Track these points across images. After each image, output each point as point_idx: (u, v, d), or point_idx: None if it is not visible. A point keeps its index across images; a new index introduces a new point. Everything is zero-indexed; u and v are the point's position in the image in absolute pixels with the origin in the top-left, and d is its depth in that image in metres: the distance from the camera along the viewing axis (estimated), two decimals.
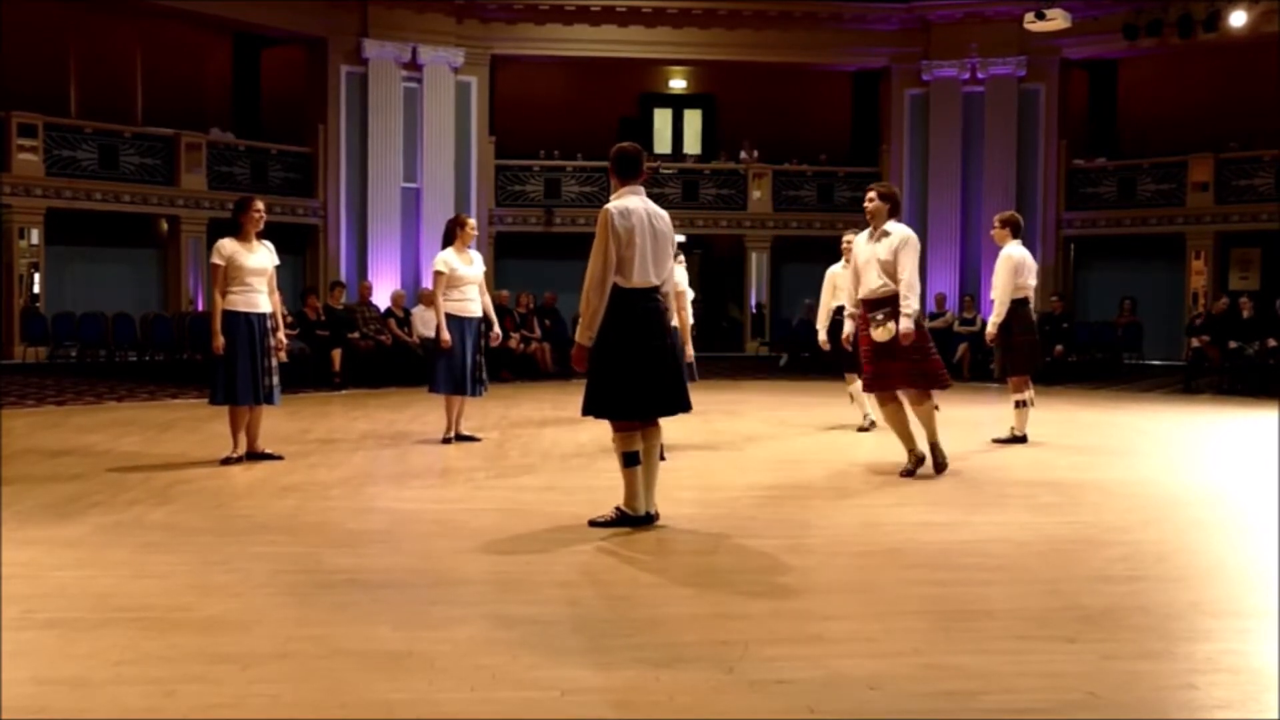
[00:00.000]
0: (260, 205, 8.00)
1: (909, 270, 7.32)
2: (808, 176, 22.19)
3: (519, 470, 7.83)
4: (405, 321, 16.31)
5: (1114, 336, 18.81)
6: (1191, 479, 7.80)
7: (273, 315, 8.03)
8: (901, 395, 7.56)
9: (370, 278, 19.27)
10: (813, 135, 22.93)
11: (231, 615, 4.15)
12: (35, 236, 17.83)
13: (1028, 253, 9.61)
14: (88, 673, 3.51)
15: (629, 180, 5.81)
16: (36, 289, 17.86)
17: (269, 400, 7.98)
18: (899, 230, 7.47)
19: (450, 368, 8.98)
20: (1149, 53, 20.37)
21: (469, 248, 9.15)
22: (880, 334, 7.42)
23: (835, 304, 10.10)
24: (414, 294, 18.16)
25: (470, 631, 3.95)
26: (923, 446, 7.56)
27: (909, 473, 7.42)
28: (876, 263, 7.45)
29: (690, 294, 9.23)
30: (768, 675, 3.53)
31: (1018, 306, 9.37)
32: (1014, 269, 9.34)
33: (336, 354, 15.02)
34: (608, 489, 6.22)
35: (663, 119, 24.31)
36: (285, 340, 8.30)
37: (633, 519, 5.72)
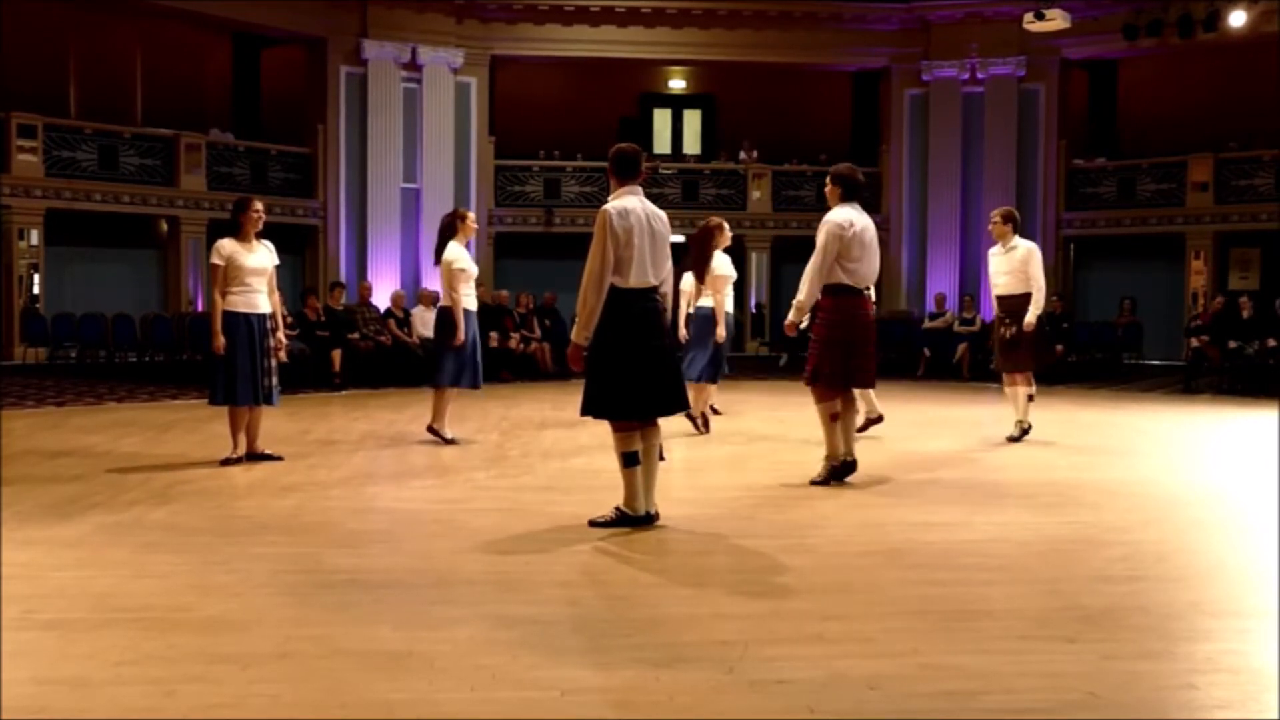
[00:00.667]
0: (259, 205, 7.99)
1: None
2: (808, 176, 22.18)
3: (519, 470, 7.83)
4: (405, 322, 16.30)
5: (1114, 336, 18.81)
6: (1191, 479, 7.80)
7: (272, 315, 8.03)
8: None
9: (370, 278, 19.27)
10: (813, 135, 22.92)
11: (231, 615, 4.14)
12: (35, 237, 17.84)
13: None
14: (88, 673, 3.51)
15: (628, 180, 5.82)
16: (36, 290, 17.87)
17: (268, 401, 7.98)
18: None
19: (460, 361, 9.03)
20: (1149, 53, 20.37)
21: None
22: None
23: None
24: (414, 294, 18.16)
25: (470, 631, 3.95)
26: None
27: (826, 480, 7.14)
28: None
29: (733, 276, 10.30)
30: (768, 675, 3.53)
31: (1028, 301, 9.38)
32: (1023, 263, 9.40)
33: (336, 354, 15.01)
34: (607, 489, 6.21)
35: (662, 119, 24.31)
36: (285, 340, 8.30)
37: (632, 519, 5.72)
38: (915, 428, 10.57)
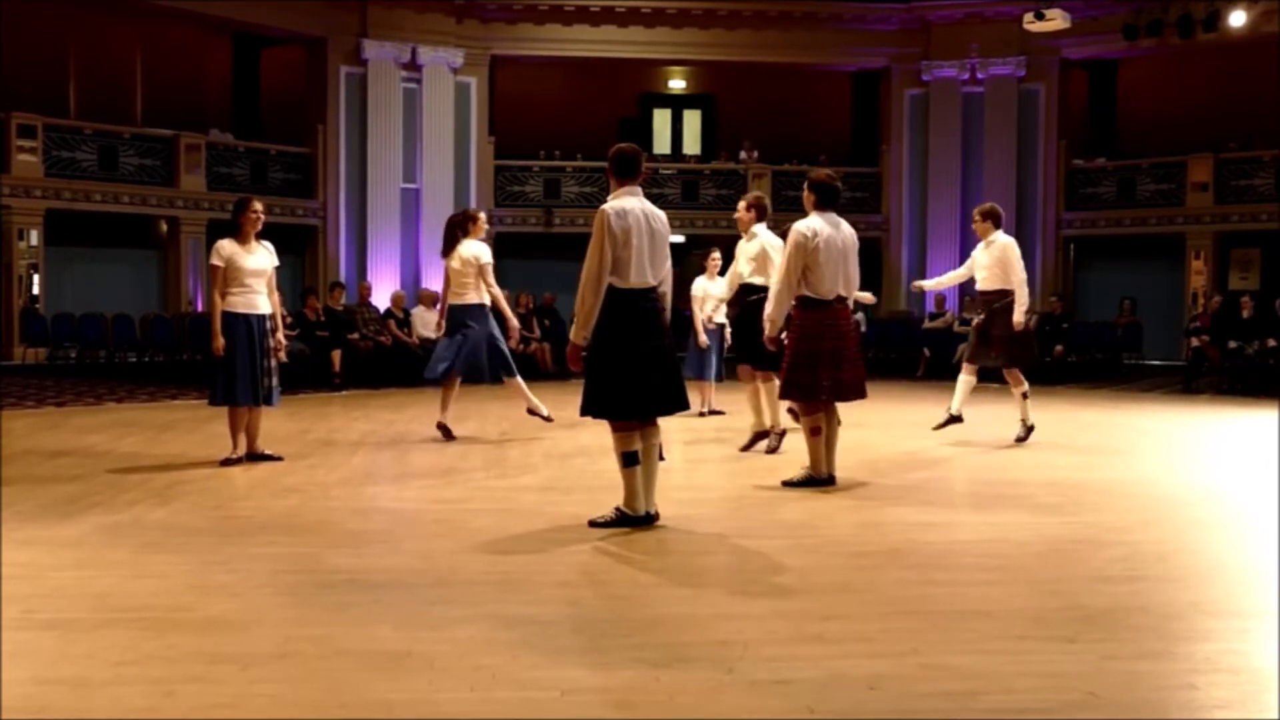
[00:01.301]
0: (259, 206, 7.99)
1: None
2: (807, 177, 22.16)
3: (519, 470, 7.83)
4: (405, 322, 16.30)
5: (1114, 336, 18.81)
6: (1191, 479, 7.80)
7: (272, 316, 8.02)
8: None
9: (370, 278, 19.27)
10: (813, 135, 22.92)
11: (231, 615, 4.14)
12: (35, 237, 17.84)
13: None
14: (88, 673, 3.51)
15: (627, 181, 5.82)
16: (36, 290, 17.87)
17: (268, 401, 7.97)
18: None
19: (477, 353, 9.24)
20: (1149, 53, 20.37)
21: None
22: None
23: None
24: (414, 294, 18.16)
25: (470, 631, 3.95)
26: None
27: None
28: None
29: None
30: (768, 675, 3.53)
31: (1009, 296, 9.26)
32: (1002, 257, 9.30)
33: (336, 355, 15.01)
34: (607, 489, 6.21)
35: (662, 119, 24.30)
36: (285, 341, 8.30)
37: (632, 519, 5.72)
38: (915, 428, 10.56)
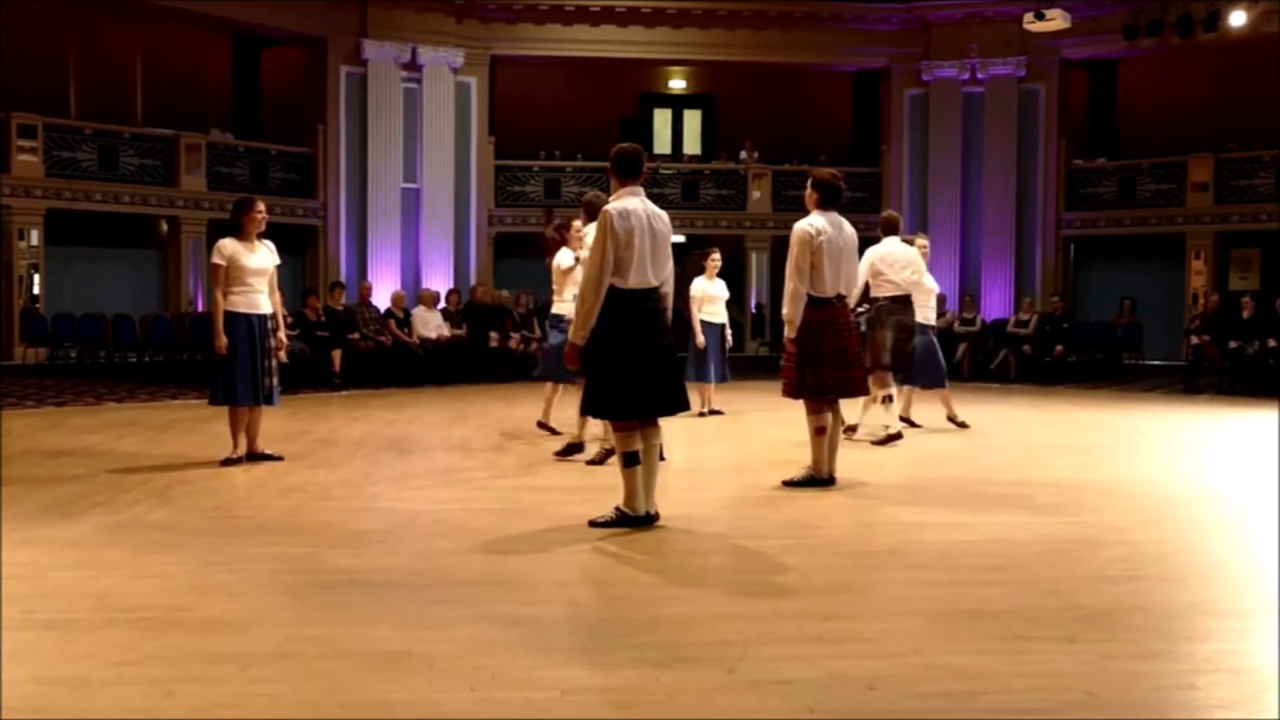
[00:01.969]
0: (262, 206, 7.99)
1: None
2: (808, 177, 22.15)
3: (519, 470, 7.83)
4: (405, 322, 16.30)
5: (1114, 336, 18.81)
6: (1191, 479, 7.80)
7: (274, 316, 8.02)
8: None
9: (370, 278, 19.26)
10: (813, 135, 22.92)
11: (231, 615, 4.14)
12: (35, 237, 17.83)
13: (903, 249, 9.43)
14: (88, 673, 3.51)
15: (629, 181, 5.81)
16: (36, 290, 17.86)
17: (269, 401, 7.97)
18: None
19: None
20: (1149, 53, 20.36)
21: None
22: None
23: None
24: (414, 294, 18.16)
25: (470, 631, 3.95)
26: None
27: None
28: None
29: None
30: (768, 675, 3.53)
31: (890, 303, 9.26)
32: (868, 264, 9.21)
33: (336, 354, 15.02)
34: (607, 489, 6.21)
35: (662, 119, 24.29)
36: (286, 341, 8.30)
37: (632, 519, 5.72)
38: (915, 428, 10.57)
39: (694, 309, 11.13)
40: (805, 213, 7.23)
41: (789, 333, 7.00)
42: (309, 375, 14.32)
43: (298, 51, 20.91)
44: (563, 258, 9.10)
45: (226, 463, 7.80)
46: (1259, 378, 15.10)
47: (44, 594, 4.42)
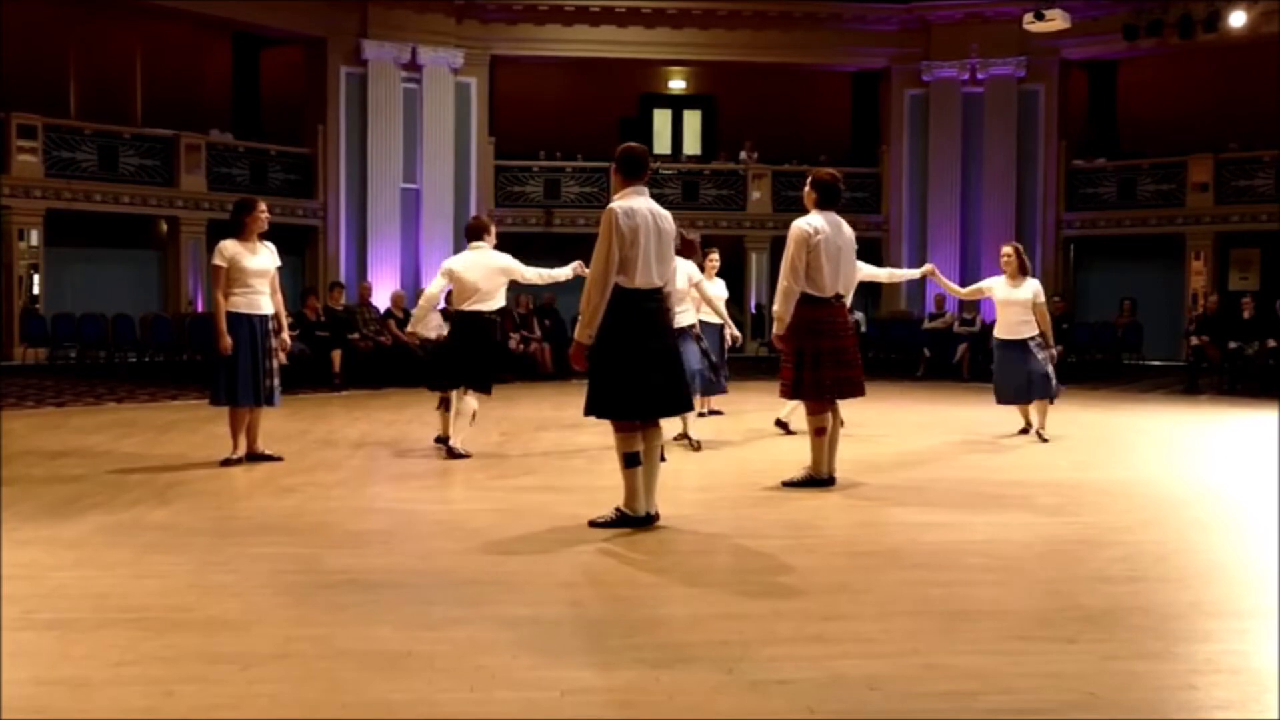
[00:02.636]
0: (264, 207, 8.00)
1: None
2: (807, 177, 22.15)
3: (519, 470, 7.83)
4: (405, 322, 16.28)
5: (1114, 337, 18.81)
6: (1191, 479, 7.80)
7: (275, 316, 8.02)
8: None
9: (370, 279, 19.27)
10: (813, 135, 22.93)
11: (231, 615, 4.14)
12: (35, 238, 17.84)
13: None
14: (88, 673, 3.51)
15: (633, 180, 5.81)
16: (36, 290, 17.86)
17: (269, 401, 7.97)
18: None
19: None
20: (1149, 53, 20.36)
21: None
22: None
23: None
24: (414, 295, 18.14)
25: (470, 631, 3.95)
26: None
27: None
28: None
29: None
30: (768, 675, 3.53)
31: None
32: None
33: (336, 355, 15.02)
34: (608, 489, 6.21)
35: (662, 119, 24.30)
36: (289, 341, 8.30)
37: (633, 519, 5.72)
38: (915, 428, 10.59)
39: (693, 309, 11.09)
40: (805, 213, 7.21)
41: (778, 329, 6.99)
42: (309, 375, 14.32)
43: (297, 51, 20.92)
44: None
45: (226, 463, 7.80)
46: (1259, 378, 15.10)
47: (44, 594, 4.42)
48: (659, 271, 5.75)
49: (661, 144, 23.82)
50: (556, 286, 10.01)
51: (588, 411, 5.77)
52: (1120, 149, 22.00)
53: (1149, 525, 6.05)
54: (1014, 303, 9.53)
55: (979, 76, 21.35)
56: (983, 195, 21.21)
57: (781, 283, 6.94)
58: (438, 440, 8.89)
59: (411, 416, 11.16)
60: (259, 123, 21.29)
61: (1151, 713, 3.28)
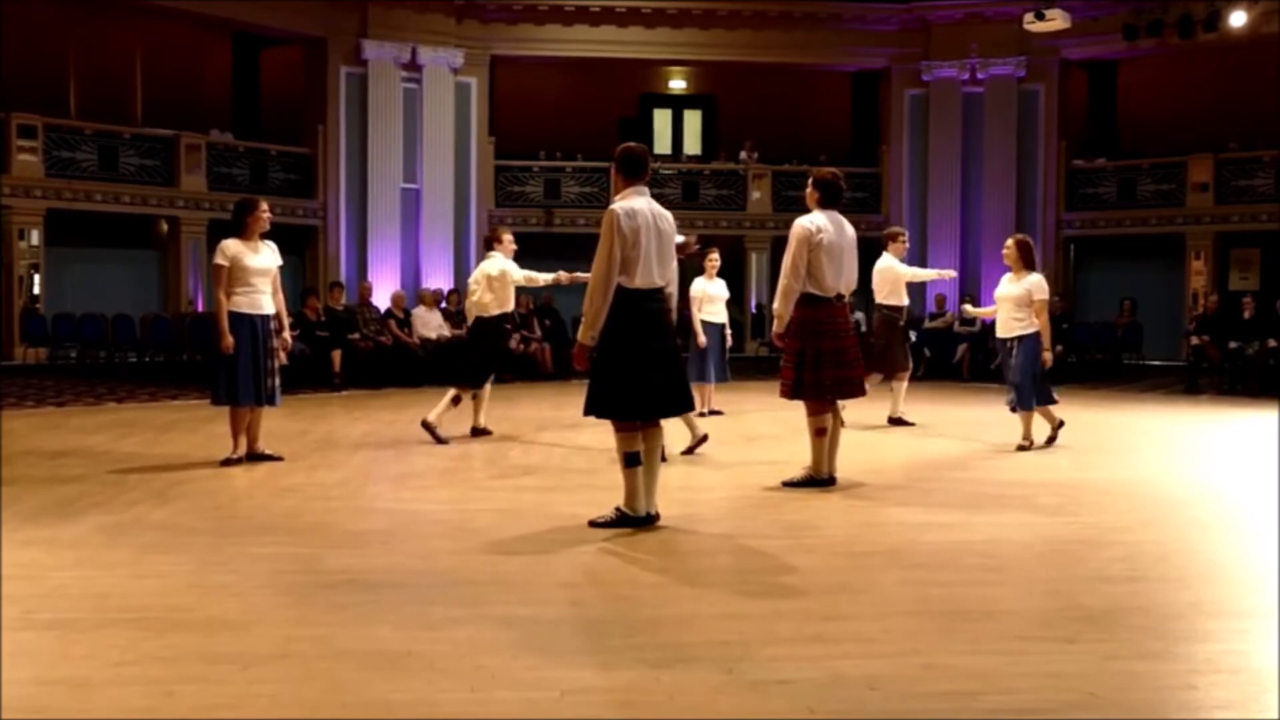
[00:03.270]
0: (266, 206, 8.00)
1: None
2: (808, 177, 22.13)
3: (519, 471, 7.83)
4: (405, 322, 16.30)
5: (1114, 337, 18.81)
6: (1191, 479, 7.80)
7: (277, 316, 8.02)
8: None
9: (370, 279, 19.25)
10: (813, 135, 22.93)
11: (231, 615, 4.15)
12: (35, 237, 17.83)
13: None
14: (88, 673, 3.51)
15: (634, 180, 5.81)
16: (36, 290, 17.86)
17: (270, 401, 7.97)
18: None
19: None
20: (1149, 53, 20.36)
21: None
22: None
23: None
24: (414, 295, 18.15)
25: (470, 631, 3.95)
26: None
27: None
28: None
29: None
30: (768, 675, 3.53)
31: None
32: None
33: (336, 355, 15.01)
34: (608, 489, 6.21)
35: (662, 119, 24.29)
36: (290, 341, 8.30)
37: (633, 519, 5.72)
38: (915, 428, 10.58)
39: (694, 309, 11.12)
40: (806, 212, 7.20)
41: (777, 327, 7.00)
42: (309, 376, 14.31)
43: (297, 51, 20.91)
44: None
45: (227, 463, 7.80)
46: (1259, 378, 15.09)
47: (44, 594, 4.42)
48: (660, 272, 5.75)
49: (662, 144, 23.82)
50: (556, 286, 10.20)
51: (588, 411, 5.77)
52: (1120, 149, 22.00)
53: (1149, 525, 6.06)
54: (1005, 298, 9.44)
55: (979, 76, 21.35)
56: (983, 195, 21.21)
57: (782, 281, 6.93)
58: (474, 431, 9.53)
59: (412, 416, 11.13)
60: (259, 123, 21.29)
61: (1151, 713, 3.28)
